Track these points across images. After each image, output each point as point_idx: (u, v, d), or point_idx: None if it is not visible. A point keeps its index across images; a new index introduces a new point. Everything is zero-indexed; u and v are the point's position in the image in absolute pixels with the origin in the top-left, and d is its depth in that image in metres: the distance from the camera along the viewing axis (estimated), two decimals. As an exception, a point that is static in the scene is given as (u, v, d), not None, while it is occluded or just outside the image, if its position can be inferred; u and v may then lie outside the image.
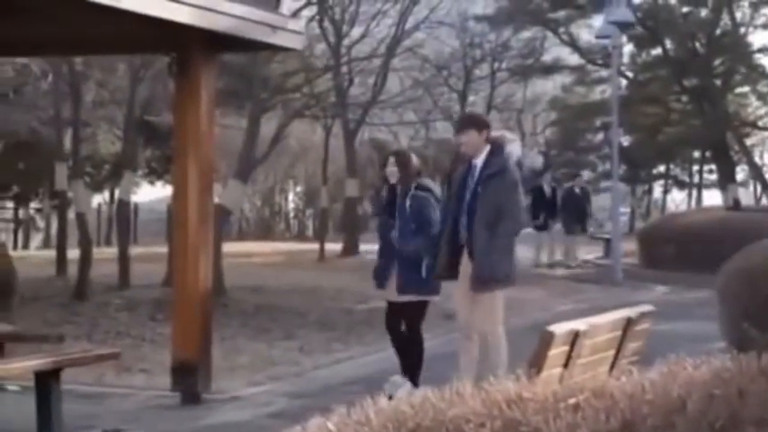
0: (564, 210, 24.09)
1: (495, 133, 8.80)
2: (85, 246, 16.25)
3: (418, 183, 9.23)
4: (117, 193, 23.91)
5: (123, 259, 16.99)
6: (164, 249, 17.42)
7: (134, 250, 21.58)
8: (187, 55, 8.99)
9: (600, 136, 39.74)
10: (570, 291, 19.47)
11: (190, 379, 8.83)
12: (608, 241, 24.62)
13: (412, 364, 9.14)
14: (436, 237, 8.78)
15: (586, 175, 34.88)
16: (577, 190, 24.92)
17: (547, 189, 24.35)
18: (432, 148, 44.65)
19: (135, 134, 19.87)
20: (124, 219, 18.87)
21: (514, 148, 8.51)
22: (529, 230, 20.68)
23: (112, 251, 19.44)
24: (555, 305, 16.97)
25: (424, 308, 9.32)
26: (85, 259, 15.83)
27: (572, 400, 3.38)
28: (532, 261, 23.35)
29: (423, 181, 9.33)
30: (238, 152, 18.68)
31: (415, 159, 9.53)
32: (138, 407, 8.85)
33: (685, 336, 11.37)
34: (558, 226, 24.16)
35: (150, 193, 39.89)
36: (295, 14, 17.37)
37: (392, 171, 9.23)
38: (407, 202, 9.10)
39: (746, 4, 29.71)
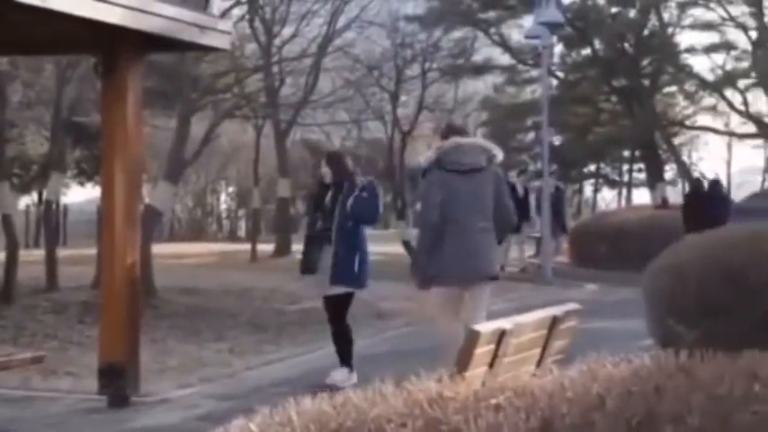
0: (540, 210, 23.27)
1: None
2: (12, 248, 16.02)
3: (364, 184, 9.70)
4: (45, 194, 23.58)
5: (51, 261, 16.79)
6: (94, 251, 17.23)
7: (63, 252, 21.33)
8: (114, 55, 8.91)
9: (531, 135, 40.02)
10: (502, 290, 19.45)
11: (117, 382, 8.75)
12: (539, 240, 24.62)
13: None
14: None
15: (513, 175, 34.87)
16: (553, 190, 24.41)
17: (519, 189, 23.45)
18: (364, 148, 44.72)
19: (63, 135, 19.63)
20: (51, 220, 18.62)
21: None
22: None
23: (41, 253, 19.20)
24: (489, 305, 17.02)
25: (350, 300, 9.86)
26: (11, 261, 15.60)
27: (493, 400, 3.40)
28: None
29: (366, 181, 9.76)
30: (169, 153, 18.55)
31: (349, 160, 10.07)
32: (65, 410, 8.74)
33: (614, 333, 11.50)
34: (529, 227, 23.50)
35: (80, 195, 39.52)
36: (225, 14, 17.30)
37: (326, 172, 9.79)
38: (349, 202, 9.54)
39: (674, 4, 30.05)
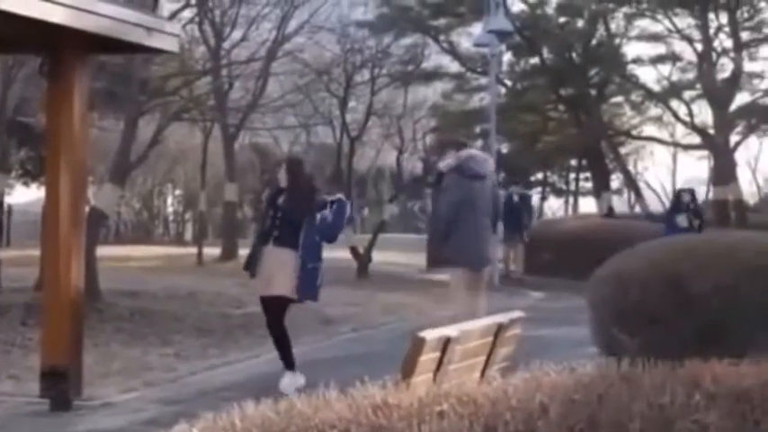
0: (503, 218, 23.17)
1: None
2: (-46, 249, 15.83)
3: (333, 201, 9.73)
4: (-11, 195, 23.31)
5: (-7, 262, 16.60)
6: (37, 252, 17.07)
7: (7, 253, 21.12)
8: (60, 56, 8.84)
9: (479, 143, 40.11)
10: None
11: (60, 385, 8.67)
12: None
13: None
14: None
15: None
16: (516, 198, 24.26)
17: None
18: (312, 153, 44.60)
19: (8, 135, 19.43)
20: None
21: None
22: None
23: (-16, 254, 18.99)
24: (434, 310, 17.07)
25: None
26: (-46, 262, 15.42)
27: (437, 407, 3.41)
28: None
29: (335, 198, 9.81)
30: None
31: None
32: (6, 414, 8.65)
33: (558, 341, 11.58)
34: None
35: (25, 195, 39.09)
36: (174, 16, 17.21)
37: (282, 177, 9.75)
38: (317, 218, 9.55)
39: (621, 15, 30.29)
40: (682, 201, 20.52)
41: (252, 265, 9.83)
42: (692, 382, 3.70)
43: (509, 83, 33.17)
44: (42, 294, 9.55)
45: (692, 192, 21.18)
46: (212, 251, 27.56)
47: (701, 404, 3.48)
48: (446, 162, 10.79)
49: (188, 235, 45.45)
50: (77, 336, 8.88)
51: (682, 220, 19.76)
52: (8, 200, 34.86)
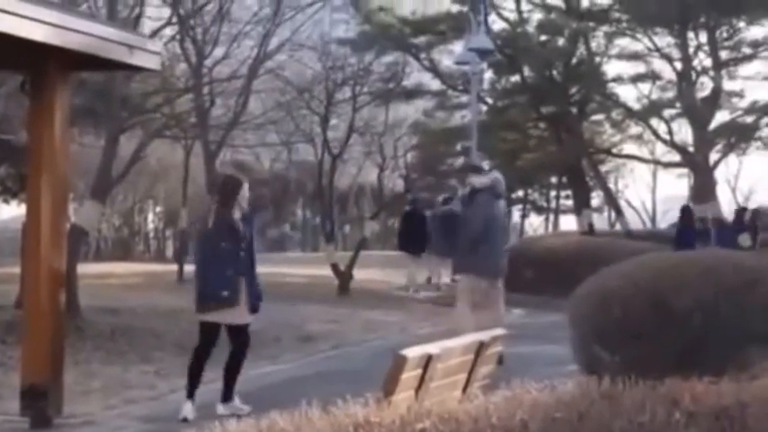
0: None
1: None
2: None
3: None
4: (-31, 211, 23.21)
5: (-27, 280, 16.52)
6: (17, 270, 17.00)
7: (-14, 270, 21.00)
8: (42, 73, 8.85)
9: (460, 160, 40.14)
10: (430, 314, 19.64)
11: (40, 403, 8.65)
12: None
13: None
14: None
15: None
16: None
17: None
18: (294, 170, 44.60)
19: (-12, 152, 19.37)
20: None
21: None
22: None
23: (-37, 272, 18.90)
24: (414, 328, 17.09)
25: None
26: (-67, 280, 15.32)
27: (419, 425, 3.41)
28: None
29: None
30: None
31: None
32: (-14, 432, 8.62)
33: (539, 358, 11.60)
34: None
35: (5, 212, 38.93)
36: (155, 34, 17.23)
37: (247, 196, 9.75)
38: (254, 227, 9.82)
39: (601, 34, 30.44)
40: (743, 219, 19.78)
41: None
42: (672, 401, 3.72)
43: (490, 100, 33.24)
44: (22, 312, 9.52)
45: (754, 209, 20.57)
46: (193, 268, 27.48)
47: (680, 422, 3.50)
48: (482, 181, 12.00)
49: (169, 252, 45.34)
50: (58, 353, 8.86)
51: (744, 239, 19.21)
52: (-12, 217, 34.78)
